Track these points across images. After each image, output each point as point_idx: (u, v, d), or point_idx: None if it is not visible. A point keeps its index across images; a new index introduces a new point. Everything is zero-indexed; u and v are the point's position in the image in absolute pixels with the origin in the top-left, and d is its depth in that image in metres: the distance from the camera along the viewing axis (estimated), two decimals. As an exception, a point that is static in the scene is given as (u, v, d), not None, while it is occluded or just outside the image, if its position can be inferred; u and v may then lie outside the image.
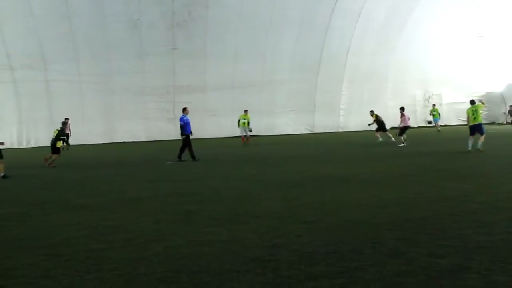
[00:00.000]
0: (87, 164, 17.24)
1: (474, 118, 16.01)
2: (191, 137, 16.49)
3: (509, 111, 30.22)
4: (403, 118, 21.63)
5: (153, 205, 8.40)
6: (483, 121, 36.64)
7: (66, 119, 25.56)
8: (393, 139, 21.48)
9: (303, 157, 16.52)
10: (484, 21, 35.77)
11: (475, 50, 37.33)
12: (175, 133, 29.55)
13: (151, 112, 30.16)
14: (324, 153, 18.13)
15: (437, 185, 9.29)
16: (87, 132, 28.22)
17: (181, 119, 16.47)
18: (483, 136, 15.80)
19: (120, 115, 29.28)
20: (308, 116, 32.44)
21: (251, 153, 18.98)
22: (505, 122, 36.77)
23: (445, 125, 37.74)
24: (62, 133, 17.45)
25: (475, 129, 15.89)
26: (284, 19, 30.57)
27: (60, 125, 18.05)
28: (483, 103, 20.55)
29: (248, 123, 24.80)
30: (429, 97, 37.47)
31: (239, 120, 25.71)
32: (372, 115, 23.82)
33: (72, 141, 25.43)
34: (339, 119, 34.24)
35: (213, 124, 30.52)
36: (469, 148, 15.40)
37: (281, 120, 32.21)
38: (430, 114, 32.29)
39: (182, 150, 16.25)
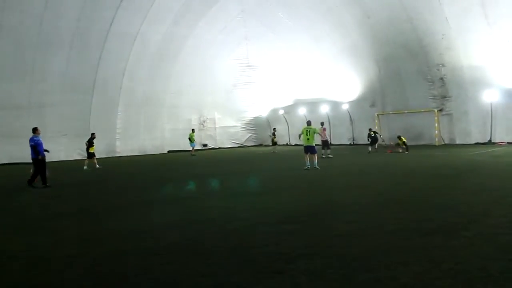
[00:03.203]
0: None
1: (308, 139, 17.92)
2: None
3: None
4: None
5: None
6: (252, 144, 43.98)
7: None
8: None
9: (74, 185, 16.42)
10: (253, 54, 42.94)
11: (245, 78, 44.49)
12: None
13: None
14: (96, 179, 18.40)
15: (212, 205, 10.32)
16: None
17: (33, 140, 15.38)
18: (315, 154, 18.06)
19: None
20: (82, 140, 33.09)
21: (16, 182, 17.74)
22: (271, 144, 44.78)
23: (219, 148, 43.78)
24: None
25: (308, 149, 18.04)
26: (55, 36, 30.93)
27: None
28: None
29: None
30: (204, 121, 42.89)
31: None
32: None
33: None
34: (115, 143, 36.21)
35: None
36: (308, 167, 17.77)
37: (52, 145, 31.77)
38: (188, 139, 33.83)
39: (39, 175, 15.39)
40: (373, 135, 28.80)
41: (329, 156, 24.32)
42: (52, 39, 31.10)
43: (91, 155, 24.52)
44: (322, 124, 25.88)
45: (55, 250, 6.79)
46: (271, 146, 35.75)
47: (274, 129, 38.25)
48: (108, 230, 8.06)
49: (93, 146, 24.71)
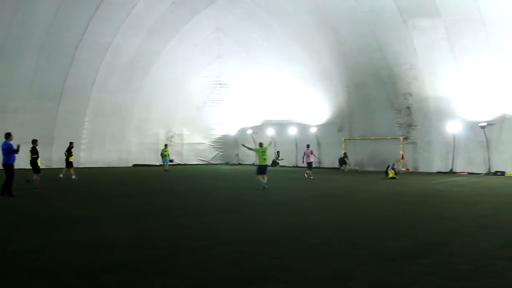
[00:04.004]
0: None
1: (264, 159, 18.64)
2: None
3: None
4: None
5: None
6: (220, 162, 43.74)
7: None
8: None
9: (33, 195, 16.07)
10: (225, 72, 42.98)
11: (216, 96, 44.51)
12: None
13: None
14: (60, 191, 18.11)
15: (172, 223, 10.13)
16: None
17: (8, 144, 15.51)
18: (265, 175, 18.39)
19: None
20: (45, 149, 32.17)
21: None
22: (237, 163, 44.70)
23: (185, 164, 43.39)
24: None
25: (265, 168, 18.55)
26: (24, 41, 30.27)
27: None
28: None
29: None
30: (171, 137, 42.52)
31: None
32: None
33: None
34: (79, 154, 35.04)
35: None
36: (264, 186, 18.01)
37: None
38: (161, 154, 34.17)
39: (10, 183, 15.33)
40: (342, 156, 30.72)
41: (308, 176, 25.18)
42: (21, 43, 30.38)
43: (70, 165, 24.28)
44: (308, 146, 26.89)
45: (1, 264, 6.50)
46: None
47: (278, 151, 39.60)
48: (63, 243, 7.83)
49: (72, 155, 24.57)
